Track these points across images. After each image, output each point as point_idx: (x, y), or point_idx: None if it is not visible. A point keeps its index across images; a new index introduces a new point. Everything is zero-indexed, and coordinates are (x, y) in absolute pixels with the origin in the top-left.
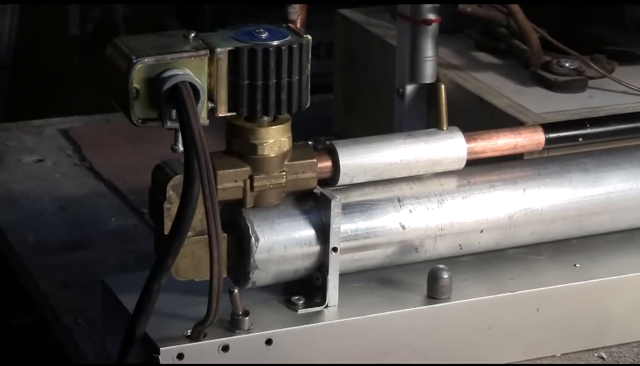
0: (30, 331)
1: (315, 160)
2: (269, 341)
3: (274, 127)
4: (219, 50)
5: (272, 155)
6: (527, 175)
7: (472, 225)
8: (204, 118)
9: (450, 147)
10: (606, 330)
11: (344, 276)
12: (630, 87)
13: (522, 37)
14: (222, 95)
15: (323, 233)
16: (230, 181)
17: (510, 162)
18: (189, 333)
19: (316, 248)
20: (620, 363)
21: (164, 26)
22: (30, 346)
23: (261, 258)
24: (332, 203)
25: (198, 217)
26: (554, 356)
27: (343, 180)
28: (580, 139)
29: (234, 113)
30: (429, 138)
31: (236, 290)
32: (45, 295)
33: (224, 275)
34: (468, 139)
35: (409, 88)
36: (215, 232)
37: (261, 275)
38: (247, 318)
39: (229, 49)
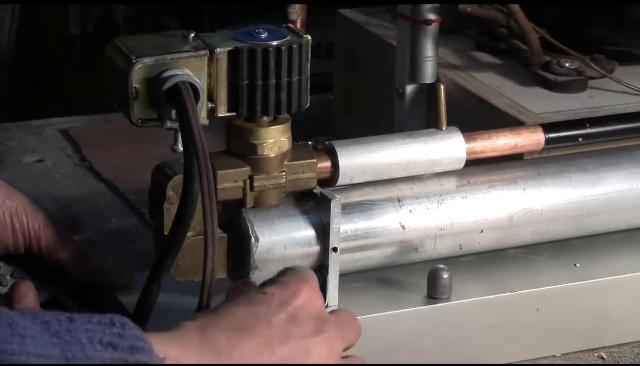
0: None
1: (315, 160)
2: None
3: (273, 127)
4: (218, 50)
5: (272, 155)
6: (527, 175)
7: (472, 225)
8: (203, 118)
9: (449, 147)
10: (606, 330)
11: (344, 276)
12: (630, 87)
13: (522, 37)
14: (222, 95)
15: (323, 233)
16: (230, 181)
17: (510, 162)
18: None
19: (316, 248)
20: (620, 363)
21: (164, 26)
22: None
23: (261, 258)
24: (332, 203)
25: (198, 217)
26: (554, 356)
27: (342, 180)
28: (580, 139)
29: (234, 114)
30: (429, 138)
31: None
32: None
33: (224, 275)
34: (467, 139)
35: (409, 88)
36: (212, 230)
37: (261, 275)
38: None
39: (229, 49)
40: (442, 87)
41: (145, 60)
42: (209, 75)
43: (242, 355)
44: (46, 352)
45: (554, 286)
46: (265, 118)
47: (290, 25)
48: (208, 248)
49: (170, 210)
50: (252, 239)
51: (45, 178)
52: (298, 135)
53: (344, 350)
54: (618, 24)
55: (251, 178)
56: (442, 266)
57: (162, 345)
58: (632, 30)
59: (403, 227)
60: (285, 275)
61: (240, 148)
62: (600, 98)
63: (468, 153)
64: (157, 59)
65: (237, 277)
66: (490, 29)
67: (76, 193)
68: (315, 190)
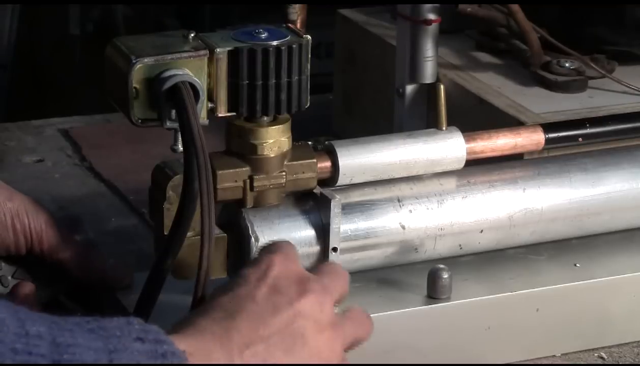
0: None
1: (315, 160)
2: None
3: (273, 127)
4: (218, 50)
5: (272, 155)
6: (527, 175)
7: (472, 225)
8: (203, 118)
9: (449, 147)
10: (606, 330)
11: None
12: (630, 87)
13: (522, 37)
14: (222, 95)
15: (323, 233)
16: (230, 181)
17: (510, 162)
18: None
19: (316, 248)
20: (620, 363)
21: (164, 26)
22: None
23: None
24: (332, 203)
25: (198, 217)
26: (554, 356)
27: (342, 180)
28: (580, 139)
29: (234, 114)
30: (428, 138)
31: None
32: None
33: (224, 275)
34: (467, 139)
35: (409, 88)
36: (208, 229)
37: None
38: None
39: (229, 49)
40: (442, 87)
41: (145, 60)
42: (209, 75)
43: (239, 334)
44: (92, 344)
45: (554, 286)
46: (265, 118)
47: (290, 25)
48: (204, 247)
49: (170, 210)
50: (252, 239)
51: (45, 178)
52: (298, 135)
53: (337, 303)
54: (618, 24)
55: (251, 178)
56: (442, 266)
57: (176, 341)
58: (632, 30)
59: (403, 227)
60: (257, 255)
61: (240, 148)
62: (600, 98)
63: (468, 153)
64: (157, 59)
65: None
66: (490, 29)
67: (76, 193)
68: (315, 190)
